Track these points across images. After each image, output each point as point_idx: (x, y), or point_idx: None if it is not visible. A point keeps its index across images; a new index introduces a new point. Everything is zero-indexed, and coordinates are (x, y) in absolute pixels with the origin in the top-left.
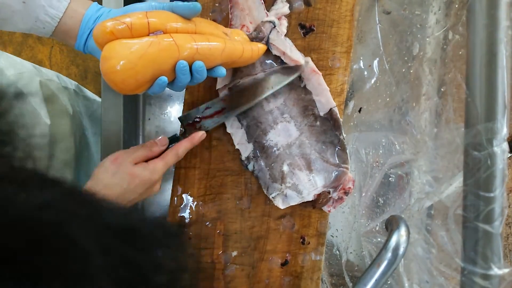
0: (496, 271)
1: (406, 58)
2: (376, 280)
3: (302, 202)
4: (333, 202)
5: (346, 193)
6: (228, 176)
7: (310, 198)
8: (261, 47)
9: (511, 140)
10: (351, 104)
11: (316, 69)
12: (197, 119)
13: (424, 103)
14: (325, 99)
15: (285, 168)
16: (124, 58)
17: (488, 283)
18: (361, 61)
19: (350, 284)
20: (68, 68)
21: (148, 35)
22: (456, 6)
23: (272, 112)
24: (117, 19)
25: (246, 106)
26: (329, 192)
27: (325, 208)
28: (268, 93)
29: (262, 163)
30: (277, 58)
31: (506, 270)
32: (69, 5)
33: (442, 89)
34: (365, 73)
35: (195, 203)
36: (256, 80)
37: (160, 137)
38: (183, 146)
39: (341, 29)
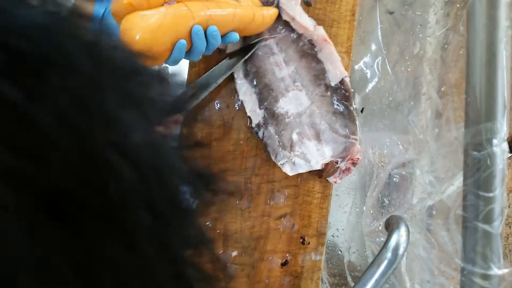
0: (495, 271)
1: (407, 58)
2: (376, 280)
3: (310, 171)
4: (339, 173)
5: (354, 163)
6: (228, 176)
7: (318, 167)
8: (272, 12)
9: (511, 140)
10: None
11: (328, 39)
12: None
13: (425, 103)
14: (337, 69)
15: (294, 136)
16: (143, 28)
17: (487, 283)
18: (363, 61)
19: (352, 284)
20: None
21: (163, 5)
22: (457, 6)
23: (284, 80)
24: None
25: (215, 80)
26: (337, 162)
27: (331, 179)
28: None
29: (272, 130)
30: (286, 24)
31: (505, 270)
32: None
33: (442, 89)
34: (368, 73)
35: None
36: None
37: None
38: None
39: (341, 29)
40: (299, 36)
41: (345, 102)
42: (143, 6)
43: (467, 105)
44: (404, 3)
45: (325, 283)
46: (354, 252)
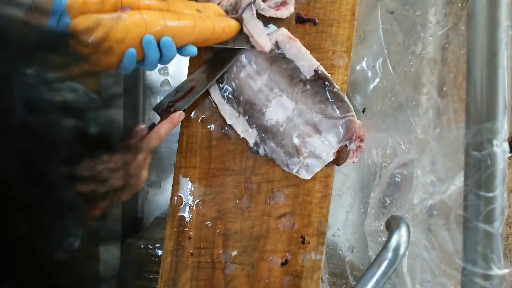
0: (496, 271)
1: (409, 58)
2: (376, 280)
3: (326, 164)
4: (353, 153)
5: (362, 140)
6: (228, 175)
7: (331, 158)
8: (233, 24)
9: (511, 140)
10: (355, 104)
11: (292, 36)
12: (170, 104)
13: (426, 103)
14: (307, 62)
15: (296, 140)
16: (93, 31)
17: (488, 283)
18: (364, 61)
19: (353, 284)
20: None
21: (117, 10)
22: (457, 6)
23: (261, 91)
24: None
25: (216, 75)
26: (346, 146)
27: (349, 161)
28: (235, 58)
29: (272, 144)
30: (248, 39)
31: (506, 271)
32: None
33: (443, 89)
34: (369, 73)
35: (195, 202)
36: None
37: (139, 126)
38: (163, 127)
39: (341, 29)
40: None
41: (327, 88)
42: (98, 8)
43: (467, 105)
44: (405, 3)
45: (325, 282)
46: (358, 252)
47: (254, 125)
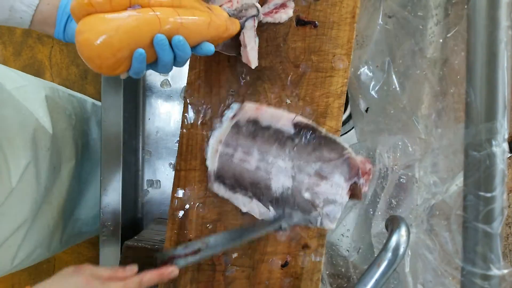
0: (495, 271)
1: (410, 59)
2: (376, 280)
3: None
4: (364, 185)
5: (369, 174)
6: None
7: (346, 198)
8: (237, 29)
9: (511, 141)
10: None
11: (258, 105)
12: (171, 257)
13: (427, 104)
14: (283, 119)
15: (307, 195)
16: (99, 32)
17: (487, 284)
18: (366, 63)
19: None
20: (68, 68)
21: (127, 9)
22: (458, 6)
23: (259, 168)
24: None
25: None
26: (355, 183)
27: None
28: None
29: (288, 210)
30: (238, 46)
31: (505, 271)
32: None
33: (443, 89)
34: (371, 75)
35: (196, 205)
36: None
37: (131, 266)
38: (148, 276)
39: (341, 31)
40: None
41: (313, 134)
42: (105, 8)
43: (467, 105)
44: (405, 4)
45: (325, 283)
46: (364, 253)
47: (268, 202)
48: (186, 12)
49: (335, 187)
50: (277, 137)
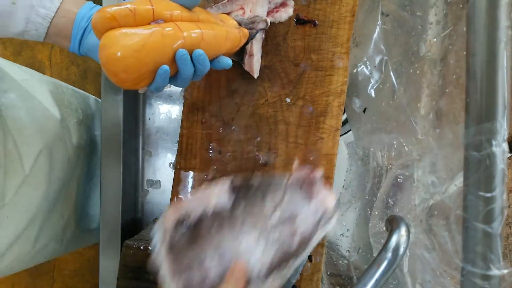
0: (495, 272)
1: (409, 59)
2: (376, 280)
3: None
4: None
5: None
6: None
7: (325, 206)
8: (244, 33)
9: (511, 141)
10: (357, 104)
11: (176, 203)
12: None
13: (426, 104)
14: (216, 195)
15: (296, 239)
16: (125, 47)
17: (487, 284)
18: (365, 62)
19: None
20: (68, 68)
21: (150, 23)
22: (457, 6)
23: (261, 234)
24: (119, 4)
25: None
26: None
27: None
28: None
29: (286, 271)
30: (241, 53)
31: (505, 271)
32: (61, 4)
33: (442, 89)
34: (369, 74)
35: None
36: None
37: None
38: None
39: (341, 30)
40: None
41: (251, 188)
42: (129, 22)
43: (467, 105)
44: (404, 4)
45: (325, 284)
46: (363, 253)
47: (284, 266)
48: (205, 26)
49: (309, 212)
50: (220, 222)
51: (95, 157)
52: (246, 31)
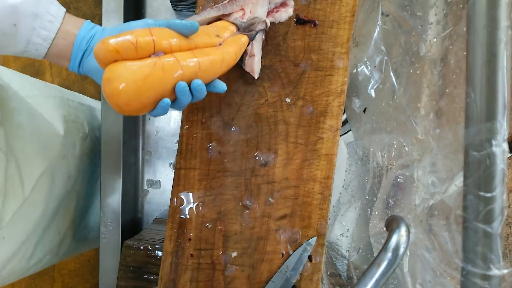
0: (495, 272)
1: (409, 59)
2: (376, 280)
3: None
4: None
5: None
6: (228, 177)
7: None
8: (245, 43)
9: (511, 141)
10: (357, 104)
11: None
12: None
13: (426, 104)
14: None
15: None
16: (128, 81)
17: (487, 284)
18: (365, 62)
19: None
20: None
21: (150, 56)
22: (457, 6)
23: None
24: (121, 36)
25: None
26: None
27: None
28: None
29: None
30: (242, 55)
31: (505, 271)
32: (61, 26)
33: (442, 89)
34: (369, 74)
35: (195, 204)
36: None
37: None
38: None
39: (341, 30)
40: None
41: None
42: (131, 55)
43: (467, 105)
44: (404, 4)
45: (325, 284)
46: (364, 253)
47: None
48: (201, 53)
49: None
50: None
51: (97, 168)
52: (244, 39)
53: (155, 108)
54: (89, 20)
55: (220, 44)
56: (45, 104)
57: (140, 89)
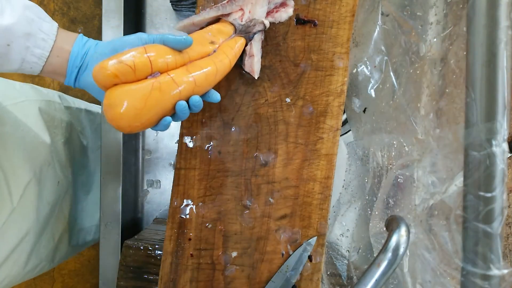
0: (495, 272)
1: (409, 59)
2: (376, 280)
3: None
4: None
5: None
6: (228, 177)
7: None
8: (242, 46)
9: (511, 141)
10: (357, 104)
11: None
12: None
13: (426, 104)
14: None
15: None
16: (128, 105)
17: (487, 284)
18: (365, 62)
19: None
20: None
21: (147, 77)
22: (457, 6)
23: None
24: (118, 57)
25: None
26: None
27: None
28: None
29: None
30: (242, 55)
31: (505, 271)
32: (55, 43)
33: (442, 89)
34: (369, 74)
35: (195, 204)
36: None
37: None
38: None
39: (341, 30)
40: None
41: None
42: (129, 78)
43: (467, 105)
44: (404, 4)
45: (325, 284)
46: (364, 253)
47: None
48: (195, 67)
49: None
50: None
51: (87, 172)
52: (240, 43)
53: (157, 125)
54: (81, 34)
55: (214, 51)
56: (31, 110)
57: (140, 112)
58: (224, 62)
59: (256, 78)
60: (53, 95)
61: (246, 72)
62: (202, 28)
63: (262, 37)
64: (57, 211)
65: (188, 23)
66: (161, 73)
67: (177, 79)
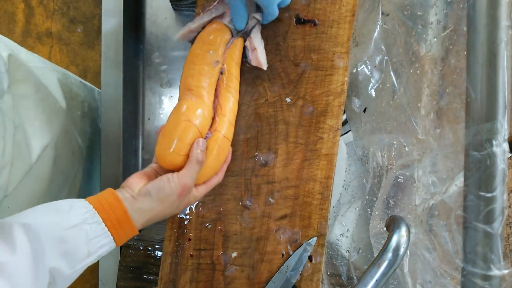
0: (495, 272)
1: (409, 59)
2: (376, 281)
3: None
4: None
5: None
6: (228, 177)
7: None
8: (241, 48)
9: (511, 140)
10: (357, 104)
11: None
12: None
13: (426, 104)
14: None
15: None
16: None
17: (487, 284)
18: (365, 62)
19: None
20: (67, 68)
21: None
22: (457, 6)
23: None
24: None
25: None
26: None
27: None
28: None
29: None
30: (245, 52)
31: (506, 271)
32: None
33: (443, 89)
34: (370, 74)
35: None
36: None
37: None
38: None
39: (341, 29)
40: None
41: None
42: (184, 151)
43: (467, 105)
44: (404, 4)
45: (325, 284)
46: (364, 253)
47: None
48: (232, 114)
49: None
50: None
51: (97, 151)
52: (240, 42)
53: None
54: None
55: (221, 73)
56: (50, 77)
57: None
58: (235, 85)
59: (265, 69)
60: (67, 72)
61: (245, 71)
62: (199, 32)
63: (259, 29)
64: (70, 182)
65: (186, 31)
66: (211, 132)
67: (227, 135)
